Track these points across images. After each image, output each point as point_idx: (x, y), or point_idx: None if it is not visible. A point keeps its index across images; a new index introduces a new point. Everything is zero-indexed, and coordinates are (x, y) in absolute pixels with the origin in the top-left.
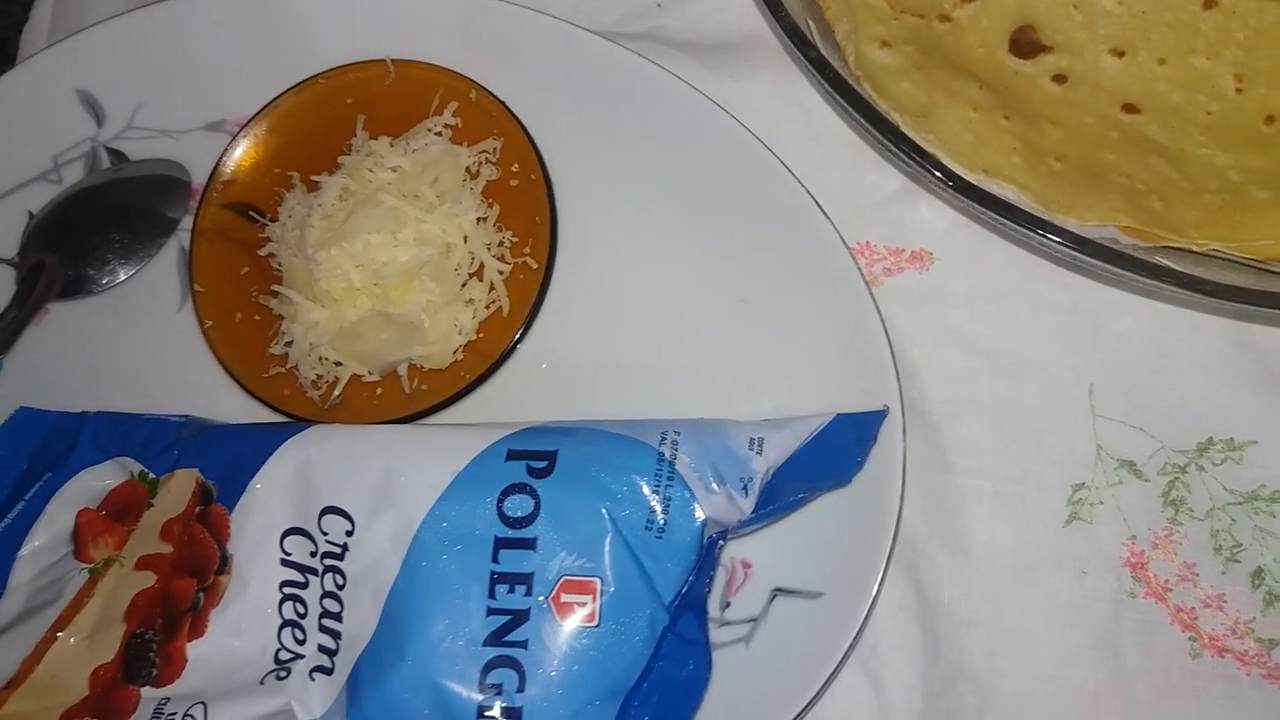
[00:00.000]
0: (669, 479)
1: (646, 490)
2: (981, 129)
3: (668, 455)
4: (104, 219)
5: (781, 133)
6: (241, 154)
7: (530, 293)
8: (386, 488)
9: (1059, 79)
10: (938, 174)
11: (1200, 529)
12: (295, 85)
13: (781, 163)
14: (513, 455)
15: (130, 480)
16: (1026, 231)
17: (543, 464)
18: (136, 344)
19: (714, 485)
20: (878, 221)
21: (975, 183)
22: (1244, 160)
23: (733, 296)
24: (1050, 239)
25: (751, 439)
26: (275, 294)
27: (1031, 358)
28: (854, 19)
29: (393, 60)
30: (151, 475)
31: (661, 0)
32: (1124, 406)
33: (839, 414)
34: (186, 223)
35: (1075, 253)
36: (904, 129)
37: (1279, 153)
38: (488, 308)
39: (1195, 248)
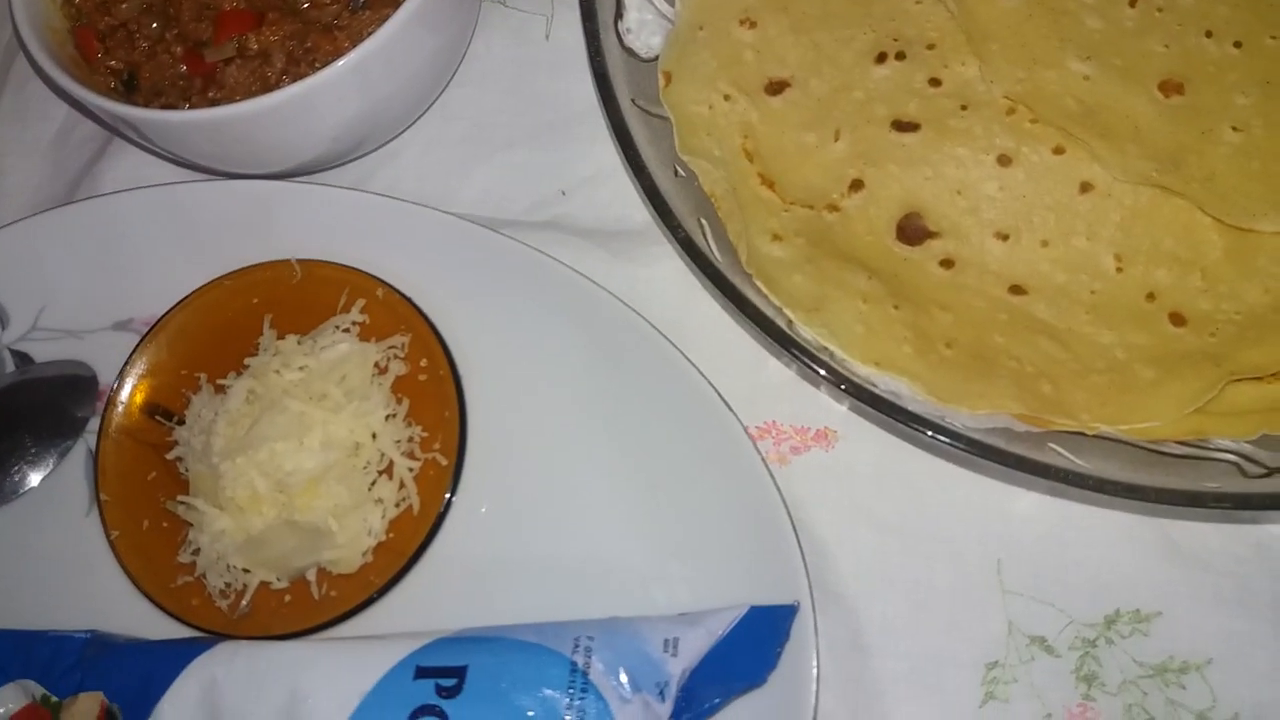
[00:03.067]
0: (583, 690)
1: (560, 705)
2: (872, 320)
3: (581, 664)
4: (10, 424)
5: (686, 317)
6: (149, 354)
7: (440, 489)
8: (293, 713)
9: (946, 263)
10: (824, 374)
11: (1114, 704)
12: (203, 285)
13: (682, 354)
14: (421, 673)
15: (32, 704)
16: (916, 432)
17: (452, 681)
18: (44, 552)
19: (629, 694)
20: (784, 400)
21: (867, 378)
22: (1129, 338)
23: (642, 487)
24: (939, 439)
25: (666, 640)
26: (182, 502)
27: (940, 534)
28: (745, 215)
29: (298, 260)
30: (54, 699)
31: (566, 188)
32: (1032, 581)
33: (752, 607)
34: (95, 424)
35: (964, 453)
36: (796, 324)
37: (1161, 329)
38: (397, 506)
39: (1087, 431)
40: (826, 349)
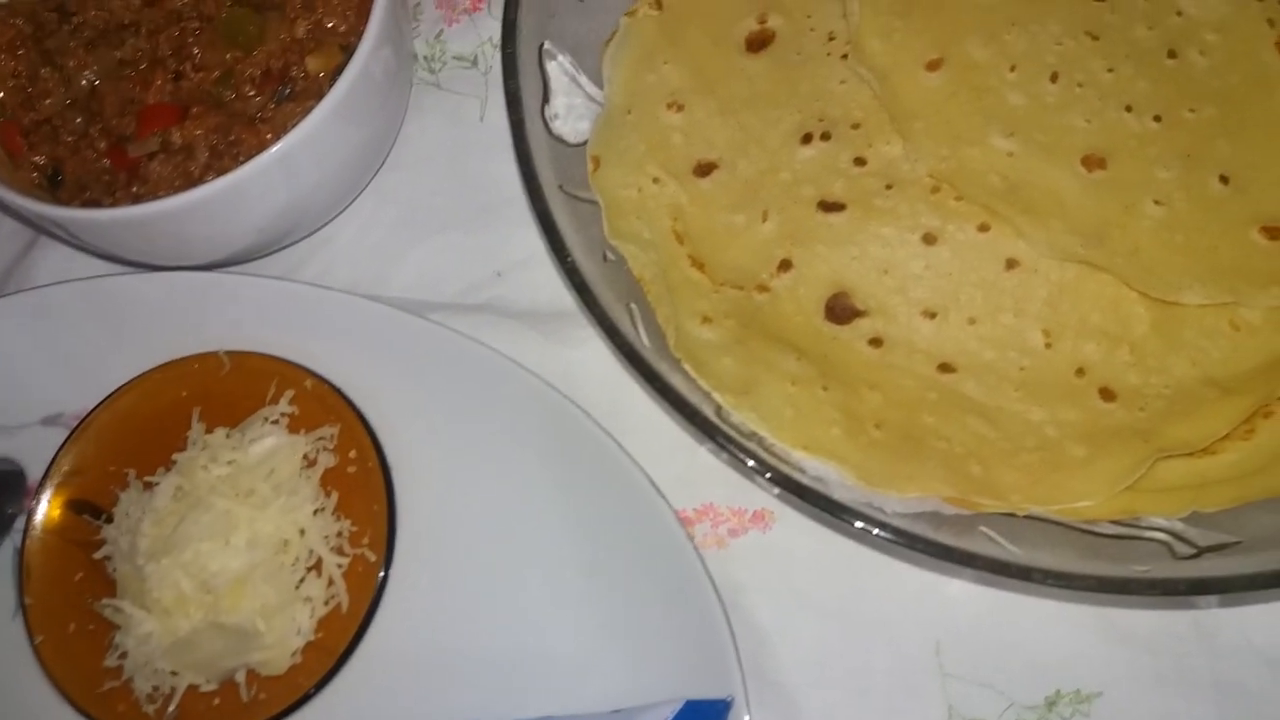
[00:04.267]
0: None
1: None
2: (801, 402)
3: None
4: None
5: (621, 399)
6: (78, 450)
7: (370, 586)
8: None
9: (875, 342)
10: (750, 464)
11: None
12: (132, 379)
13: (613, 439)
14: None
15: None
16: (843, 523)
17: None
18: None
19: None
20: (721, 482)
21: (794, 465)
22: (1059, 414)
23: (577, 578)
24: (867, 530)
25: None
26: (108, 604)
27: (878, 617)
28: (675, 297)
29: (227, 352)
30: None
31: (500, 270)
32: (971, 663)
33: (687, 701)
34: (22, 523)
35: (891, 542)
36: (724, 408)
37: (1091, 405)
38: (326, 604)
39: (1017, 512)
40: (755, 434)
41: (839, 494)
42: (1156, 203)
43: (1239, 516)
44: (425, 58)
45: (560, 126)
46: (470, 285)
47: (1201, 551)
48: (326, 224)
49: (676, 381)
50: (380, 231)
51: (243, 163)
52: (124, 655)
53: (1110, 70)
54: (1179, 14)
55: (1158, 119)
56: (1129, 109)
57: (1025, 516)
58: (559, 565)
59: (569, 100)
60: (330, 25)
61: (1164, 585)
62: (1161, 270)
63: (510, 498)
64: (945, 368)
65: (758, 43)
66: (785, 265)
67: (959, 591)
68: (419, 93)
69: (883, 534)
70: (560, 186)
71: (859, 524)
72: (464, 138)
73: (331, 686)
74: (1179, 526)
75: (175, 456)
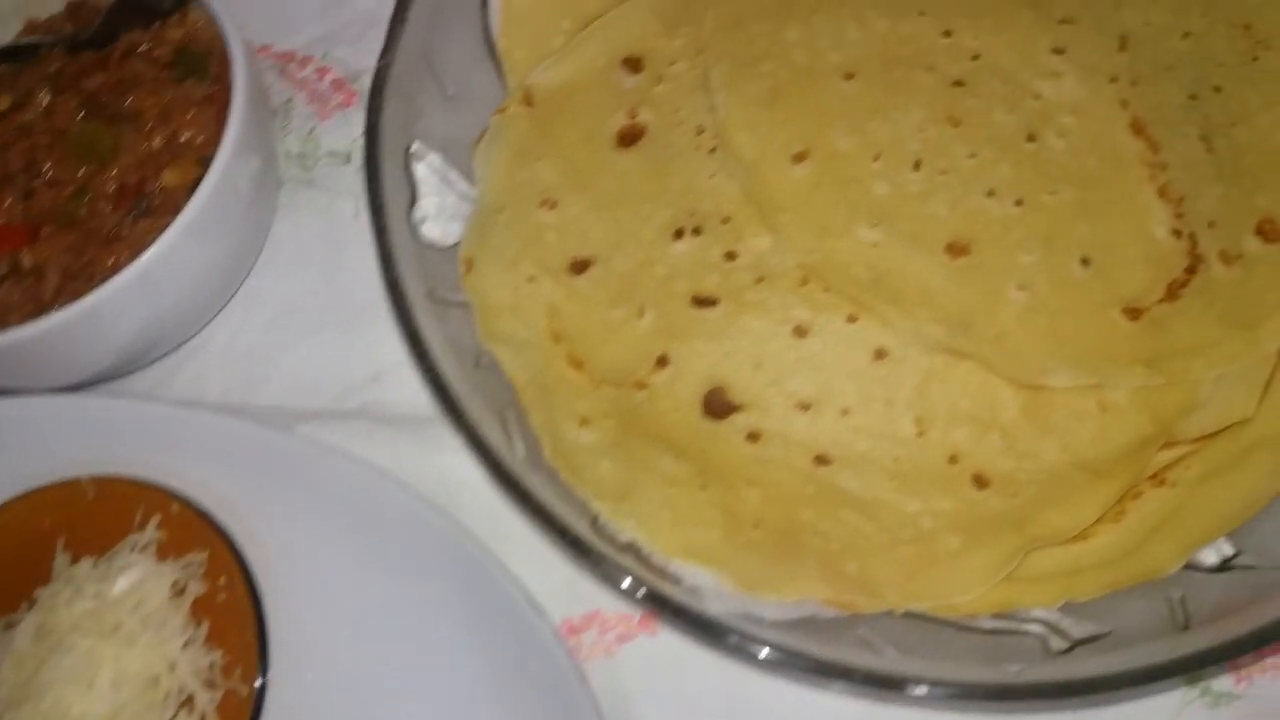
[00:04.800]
0: None
1: None
2: (679, 504)
3: None
4: None
5: (502, 506)
6: None
7: (244, 719)
8: None
9: (752, 437)
10: (625, 584)
11: None
12: None
13: (488, 551)
14: None
15: None
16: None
17: None
18: None
19: None
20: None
21: (672, 574)
22: (934, 504)
23: (457, 699)
24: (742, 647)
25: None
26: None
27: (781, 712)
28: (552, 399)
29: (91, 477)
30: None
31: (378, 371)
32: None
33: None
34: None
35: (770, 663)
36: (603, 517)
37: (965, 493)
38: None
39: (894, 610)
40: (633, 542)
41: (716, 604)
42: (1020, 287)
43: (1109, 605)
44: (298, 154)
45: (430, 229)
46: (346, 389)
47: (1075, 645)
48: (197, 333)
49: (547, 495)
50: (253, 336)
51: (98, 284)
52: None
53: (972, 156)
54: (1037, 97)
55: (1019, 203)
56: (991, 194)
57: (902, 615)
58: (439, 686)
59: (440, 200)
60: (187, 138)
61: (1043, 690)
62: (1027, 355)
63: (386, 617)
64: (821, 460)
65: (629, 138)
66: (662, 361)
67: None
68: (292, 190)
69: (758, 653)
70: (430, 292)
71: (734, 640)
72: (338, 236)
73: None
74: (1054, 617)
75: (37, 592)
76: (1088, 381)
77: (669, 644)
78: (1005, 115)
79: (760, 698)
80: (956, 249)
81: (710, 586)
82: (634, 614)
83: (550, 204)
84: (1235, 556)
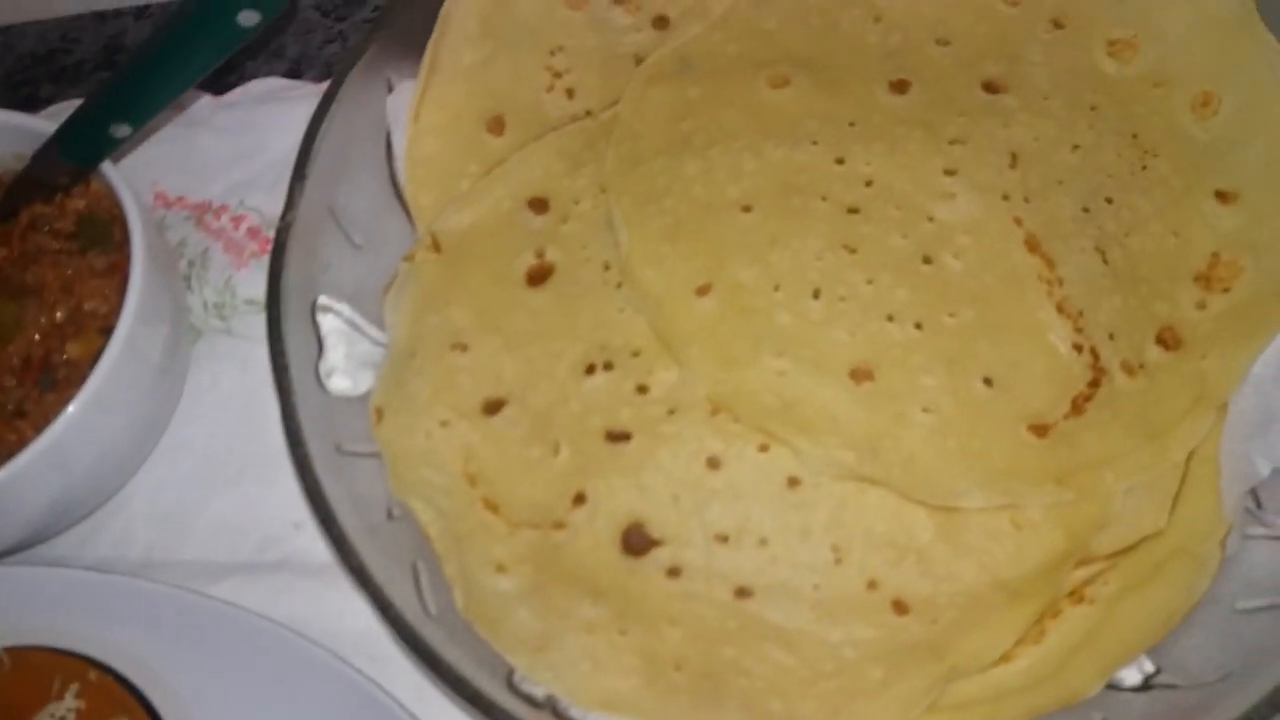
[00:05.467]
0: None
1: None
2: (599, 652)
3: None
4: None
5: None
6: None
7: None
8: None
9: (673, 573)
10: None
11: None
12: None
13: (408, 713)
14: None
15: None
16: None
17: None
18: None
19: None
20: None
21: None
22: (855, 633)
23: None
24: None
25: None
26: None
27: None
28: (467, 547)
29: (5, 649)
30: None
31: (299, 521)
32: None
33: None
34: None
35: None
36: (520, 671)
37: (885, 620)
38: None
39: None
40: (551, 697)
41: None
42: (925, 410)
43: None
44: (215, 304)
45: (339, 381)
46: (267, 539)
47: None
48: (117, 493)
49: (457, 654)
50: (175, 490)
51: (3, 462)
52: None
53: (869, 282)
54: (931, 219)
55: (919, 326)
56: (890, 319)
57: None
58: None
59: (349, 350)
60: (89, 308)
61: None
62: (937, 477)
63: None
64: (743, 592)
65: (538, 277)
66: (580, 499)
67: None
68: (210, 340)
69: None
70: (339, 445)
71: None
72: (256, 383)
73: None
74: None
75: None
76: (1000, 501)
77: None
78: (901, 239)
79: None
80: (860, 374)
81: None
82: None
83: (462, 347)
84: (1156, 674)
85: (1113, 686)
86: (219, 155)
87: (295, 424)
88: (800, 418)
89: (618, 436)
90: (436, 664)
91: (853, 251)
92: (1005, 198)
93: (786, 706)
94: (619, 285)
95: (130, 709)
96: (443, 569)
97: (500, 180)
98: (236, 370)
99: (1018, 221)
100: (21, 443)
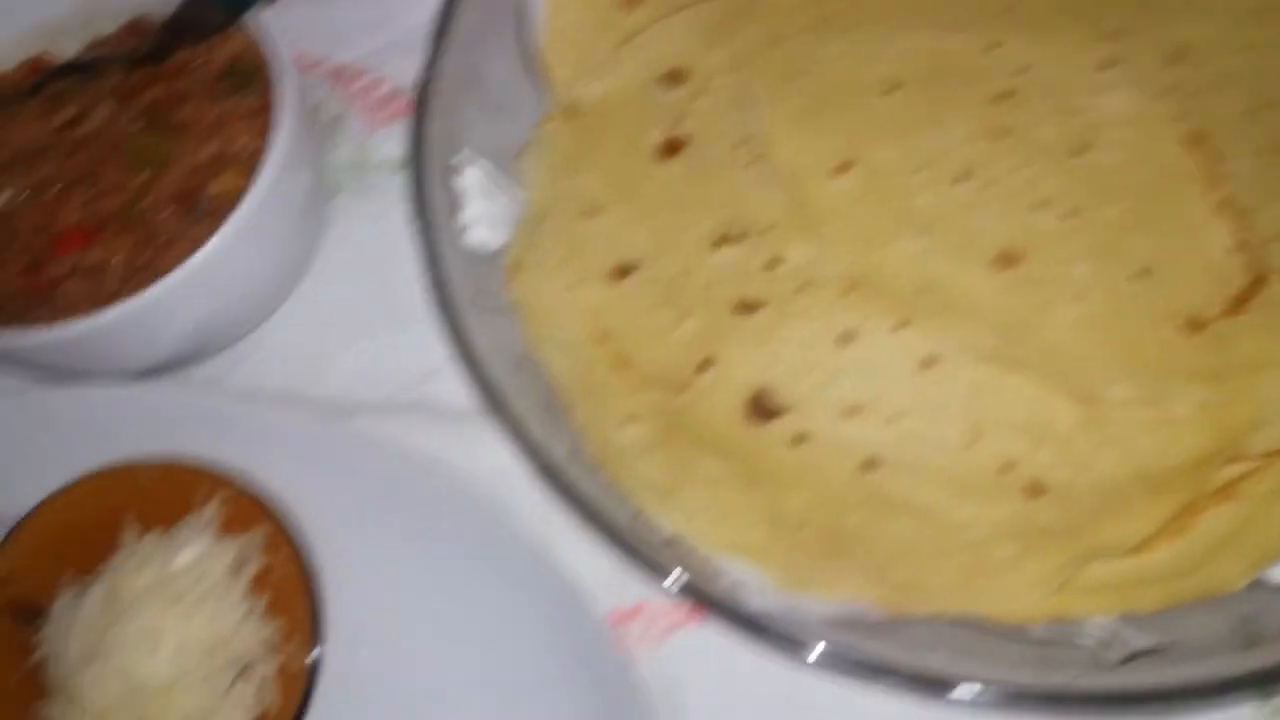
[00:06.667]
0: None
1: None
2: (724, 504)
3: None
4: None
5: (549, 503)
6: (11, 556)
7: (299, 688)
8: None
9: (798, 441)
10: (667, 583)
11: None
12: (63, 486)
13: (539, 545)
14: None
15: None
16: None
17: None
18: None
19: None
20: None
21: (717, 569)
22: (985, 513)
23: (506, 681)
24: (786, 643)
25: None
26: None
27: (818, 714)
28: (595, 401)
29: (157, 459)
30: None
31: (431, 369)
32: None
33: None
34: None
35: (814, 661)
36: (645, 512)
37: (1018, 503)
38: (256, 708)
39: (944, 614)
40: (677, 537)
41: (761, 600)
42: (1074, 299)
43: (1172, 617)
44: (351, 165)
45: (474, 235)
46: (399, 385)
47: (1133, 656)
48: (257, 328)
49: (588, 488)
50: (310, 333)
51: (155, 283)
52: None
53: (1020, 169)
54: (1087, 111)
55: (1071, 215)
56: (1042, 206)
57: (952, 619)
58: (488, 667)
59: (486, 207)
60: (238, 147)
61: (1095, 697)
62: (1083, 367)
63: (439, 601)
64: (869, 465)
65: (671, 149)
66: (705, 365)
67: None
68: (346, 199)
69: (801, 651)
70: (475, 296)
71: (777, 639)
72: (390, 241)
73: None
74: (1112, 628)
75: (105, 563)
76: (1147, 395)
77: (717, 635)
78: (1053, 129)
79: (808, 689)
80: (1006, 260)
81: (755, 582)
82: (682, 604)
83: (593, 212)
84: None
85: (1259, 583)
86: (358, 20)
87: (437, 271)
88: (940, 300)
89: (747, 307)
90: (573, 496)
91: (1003, 138)
92: (1167, 93)
93: (912, 573)
94: (754, 161)
95: (270, 522)
96: (572, 416)
97: (636, 53)
98: (370, 228)
99: (1179, 118)
100: (172, 266)
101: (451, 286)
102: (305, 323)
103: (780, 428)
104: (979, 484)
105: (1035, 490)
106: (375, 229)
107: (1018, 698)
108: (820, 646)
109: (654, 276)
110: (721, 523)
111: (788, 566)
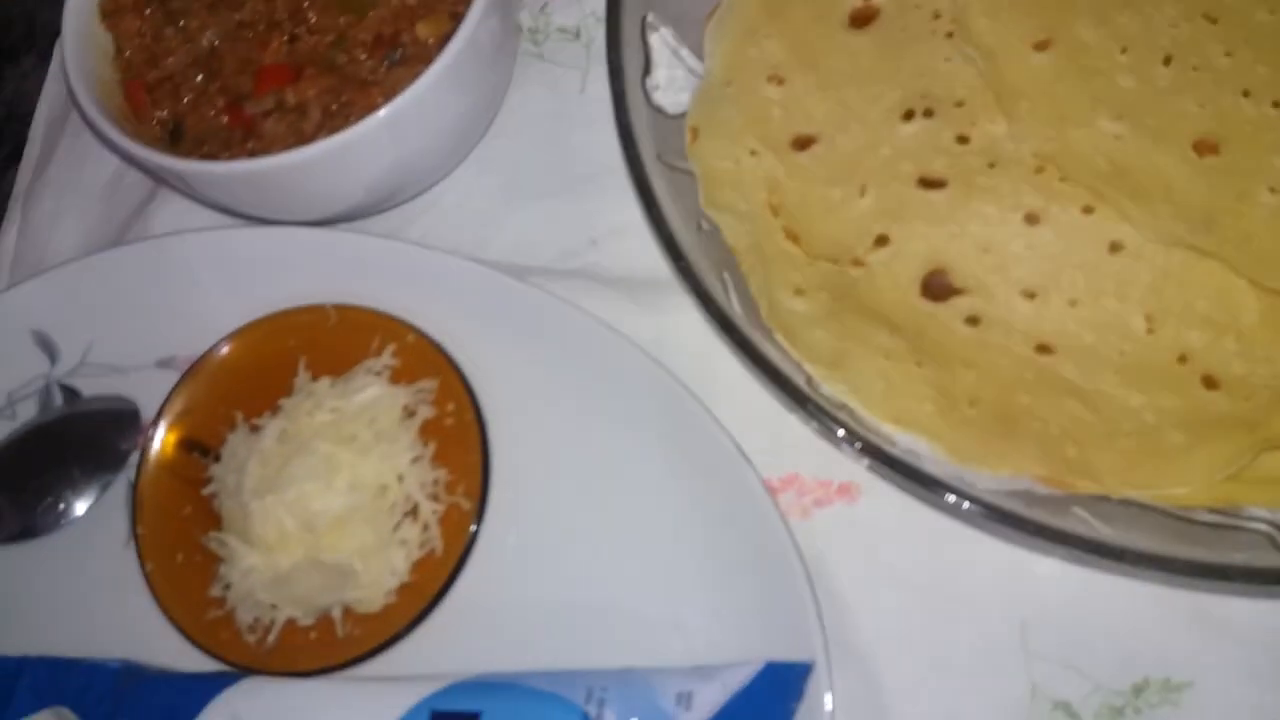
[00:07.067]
0: None
1: None
2: (894, 376)
3: (593, 715)
4: (57, 455)
5: (711, 367)
6: (189, 392)
7: (463, 533)
8: None
9: (972, 321)
10: (841, 433)
11: None
12: (242, 326)
13: (702, 405)
14: (436, 717)
15: None
16: (932, 495)
17: None
18: (83, 582)
19: None
20: (807, 452)
21: (885, 438)
22: (1158, 401)
23: (661, 537)
24: (954, 502)
25: (679, 693)
26: (215, 538)
27: (963, 594)
28: (768, 269)
29: (334, 305)
30: None
31: (595, 238)
32: (1057, 644)
33: (768, 663)
34: (136, 458)
35: (982, 518)
36: (815, 380)
37: (1193, 393)
38: (421, 548)
39: (1112, 495)
40: (846, 406)
41: (929, 468)
42: (1272, 190)
43: None
44: (530, 30)
45: (660, 98)
46: (566, 251)
47: None
48: (430, 188)
49: (768, 351)
50: (481, 197)
51: (353, 123)
52: (228, 587)
53: (1228, 55)
54: None
55: (1276, 105)
56: (1246, 94)
57: (1119, 500)
58: (646, 523)
59: (670, 72)
60: None
61: (1264, 575)
62: (1274, 259)
63: (601, 457)
64: (1043, 349)
65: (862, 19)
66: (882, 241)
67: (1047, 572)
68: (523, 64)
69: (974, 508)
70: (658, 156)
71: (950, 497)
72: (564, 109)
73: (422, 627)
74: (1276, 519)
75: (281, 402)
76: None
77: (864, 512)
78: (1267, 16)
79: (952, 570)
80: (1204, 147)
81: (923, 454)
82: (832, 480)
83: (777, 80)
84: None
85: None
86: None
87: (629, 126)
88: (1133, 184)
89: (931, 184)
90: (754, 355)
91: (1212, 22)
92: None
93: (1082, 454)
94: (948, 35)
95: (441, 371)
96: (747, 282)
97: None
98: (546, 93)
99: None
100: (370, 108)
101: (641, 140)
102: (478, 186)
103: (956, 306)
104: (1155, 372)
105: (1210, 382)
106: (549, 96)
107: (1198, 570)
108: (988, 508)
109: (834, 149)
110: (890, 396)
111: (955, 442)
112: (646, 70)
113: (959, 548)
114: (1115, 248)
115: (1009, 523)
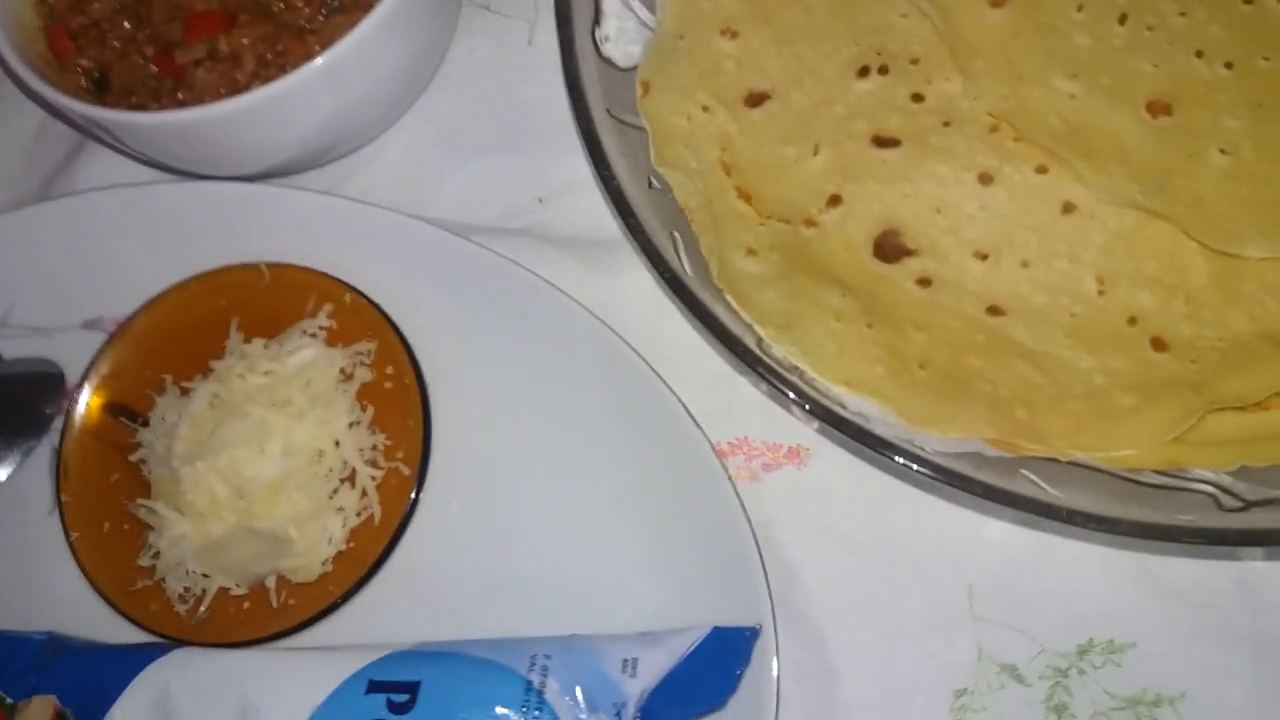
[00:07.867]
0: (537, 709)
1: None
2: (845, 338)
3: (536, 683)
4: None
5: (660, 330)
6: (115, 354)
7: (402, 499)
8: None
9: (924, 282)
10: (790, 395)
11: None
12: (171, 286)
13: (651, 368)
14: (373, 687)
15: None
16: (883, 457)
17: (404, 697)
18: (5, 551)
19: (585, 714)
20: (757, 416)
21: (835, 400)
22: (1108, 363)
23: (608, 502)
24: (905, 465)
25: (625, 660)
26: (143, 505)
27: (911, 557)
28: (720, 228)
29: (267, 263)
30: (9, 700)
31: (543, 196)
32: (1003, 607)
33: (714, 628)
34: (60, 423)
35: (931, 479)
36: (766, 341)
37: (1142, 355)
38: (358, 515)
39: (1060, 457)
40: (797, 368)
41: (879, 430)
42: (1223, 152)
43: None
44: None
45: (610, 50)
46: (511, 209)
47: (1249, 505)
48: (370, 142)
49: (718, 312)
50: (423, 151)
51: (288, 73)
52: (157, 555)
53: (1182, 14)
54: None
55: (1229, 66)
56: (1199, 55)
57: (1068, 462)
58: (592, 489)
59: (620, 24)
60: None
61: (1212, 535)
62: (1224, 221)
63: (546, 421)
64: (994, 310)
65: None
66: (835, 200)
67: (994, 535)
68: (468, 14)
69: (923, 470)
70: (608, 110)
71: (899, 459)
72: (511, 61)
73: (360, 596)
74: (1226, 480)
75: (213, 364)
76: None
77: (813, 476)
78: None
79: (900, 534)
80: (1158, 107)
81: (874, 416)
82: (781, 444)
83: (731, 34)
84: None
85: None
86: None
87: (577, 77)
88: (1087, 143)
89: (885, 142)
90: (704, 316)
91: None
92: None
93: (1032, 416)
94: None
95: (381, 333)
96: (698, 241)
97: None
98: (492, 44)
99: None
100: (306, 56)
101: (590, 94)
102: (419, 140)
103: (908, 267)
104: (1106, 334)
105: (1159, 344)
106: (495, 47)
107: (1142, 530)
108: (938, 470)
109: (788, 106)
110: (841, 358)
111: (906, 404)
112: (596, 21)
113: (906, 512)
114: (1068, 208)
115: (958, 484)
